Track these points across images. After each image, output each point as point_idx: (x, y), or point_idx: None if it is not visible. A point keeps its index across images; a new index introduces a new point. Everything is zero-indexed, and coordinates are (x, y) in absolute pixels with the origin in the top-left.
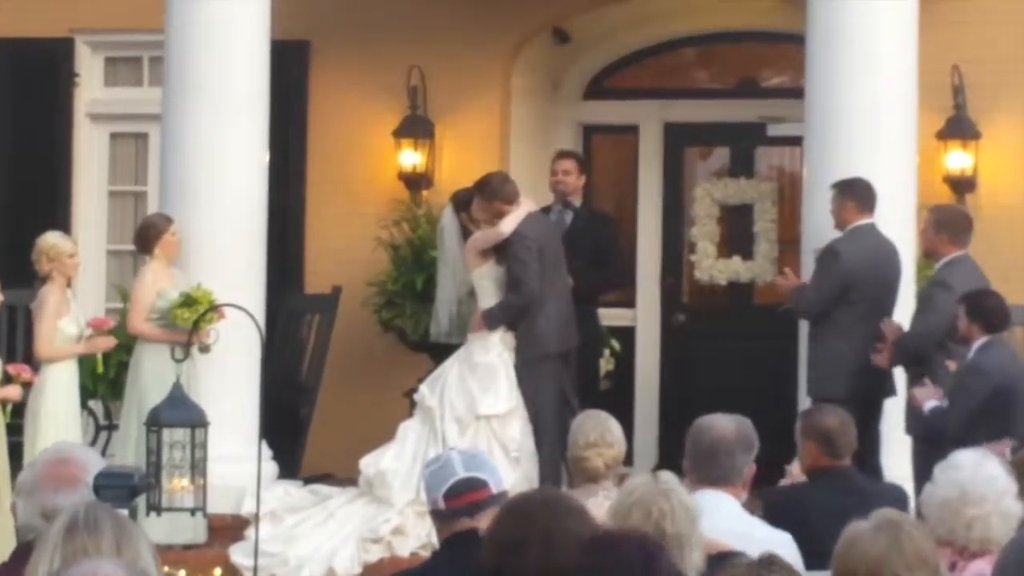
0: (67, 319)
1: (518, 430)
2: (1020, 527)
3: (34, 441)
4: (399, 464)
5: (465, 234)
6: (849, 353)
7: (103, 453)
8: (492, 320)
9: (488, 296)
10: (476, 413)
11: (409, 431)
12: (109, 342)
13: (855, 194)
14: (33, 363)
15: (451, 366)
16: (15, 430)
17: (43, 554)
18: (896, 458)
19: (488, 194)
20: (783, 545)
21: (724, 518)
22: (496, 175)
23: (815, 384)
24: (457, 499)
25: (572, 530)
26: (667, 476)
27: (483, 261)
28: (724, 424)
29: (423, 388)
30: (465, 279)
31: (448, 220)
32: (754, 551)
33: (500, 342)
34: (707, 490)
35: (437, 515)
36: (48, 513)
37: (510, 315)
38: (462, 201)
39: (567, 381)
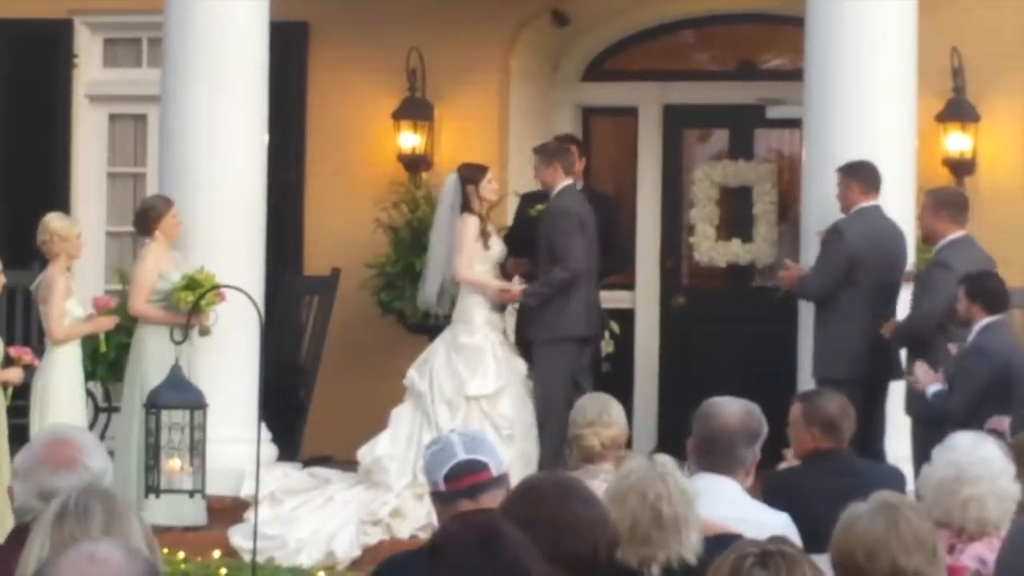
0: (73, 300)
1: (509, 408)
2: (1019, 510)
3: (42, 423)
4: (394, 449)
5: (464, 207)
6: (853, 335)
7: (102, 435)
8: (534, 296)
9: (484, 277)
10: (465, 394)
11: (401, 416)
12: (112, 321)
13: (860, 176)
14: (33, 345)
15: (437, 349)
16: (16, 412)
17: (35, 541)
18: (896, 440)
19: (547, 154)
20: (783, 528)
21: (725, 502)
22: (562, 138)
23: (819, 366)
24: (457, 481)
25: (582, 515)
26: (663, 459)
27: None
28: (730, 412)
29: (412, 373)
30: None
31: (450, 189)
32: (753, 535)
33: (485, 323)
34: (708, 474)
35: (437, 497)
36: (46, 494)
37: (554, 290)
38: (468, 175)
39: (584, 366)
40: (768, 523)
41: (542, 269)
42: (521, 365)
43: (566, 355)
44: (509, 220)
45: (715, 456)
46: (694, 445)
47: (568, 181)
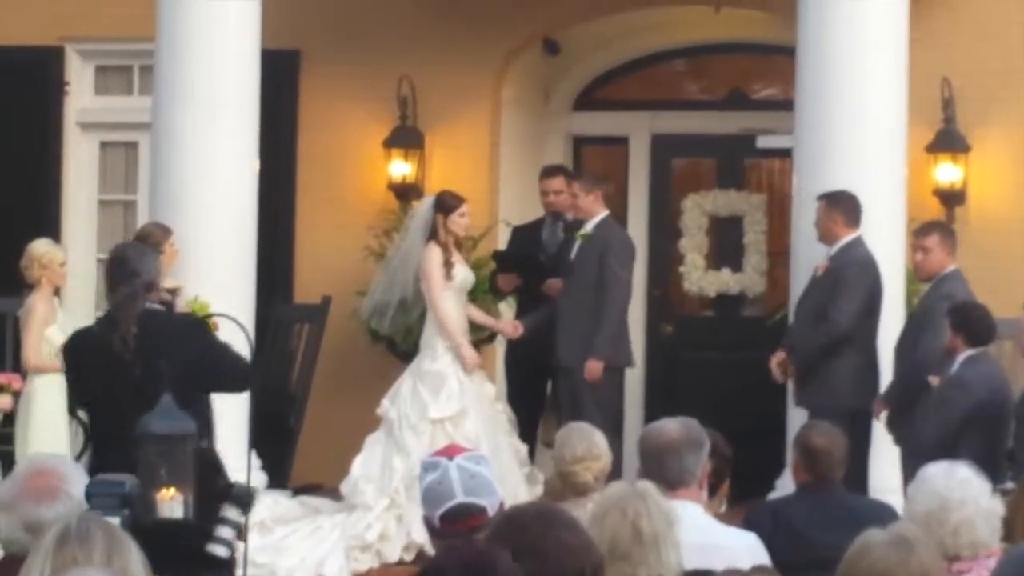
0: (54, 328)
1: (473, 429)
2: (1004, 534)
3: (25, 450)
4: (368, 470)
5: (432, 235)
6: (864, 365)
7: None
8: (602, 349)
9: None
10: (429, 417)
11: (375, 443)
12: None
13: (846, 207)
14: (22, 371)
15: (405, 378)
16: (6, 439)
17: (34, 565)
18: (885, 469)
19: (591, 180)
20: (750, 550)
21: (690, 528)
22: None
23: (850, 395)
24: (453, 524)
25: (565, 541)
26: (644, 483)
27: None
28: (669, 427)
29: (385, 402)
30: (410, 280)
31: (422, 211)
32: (721, 560)
33: (448, 350)
34: (670, 501)
35: (432, 531)
36: (31, 526)
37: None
38: (441, 203)
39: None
40: (734, 547)
41: (585, 294)
42: (490, 389)
43: (620, 381)
44: (500, 248)
45: (667, 471)
46: (644, 468)
47: (607, 212)
